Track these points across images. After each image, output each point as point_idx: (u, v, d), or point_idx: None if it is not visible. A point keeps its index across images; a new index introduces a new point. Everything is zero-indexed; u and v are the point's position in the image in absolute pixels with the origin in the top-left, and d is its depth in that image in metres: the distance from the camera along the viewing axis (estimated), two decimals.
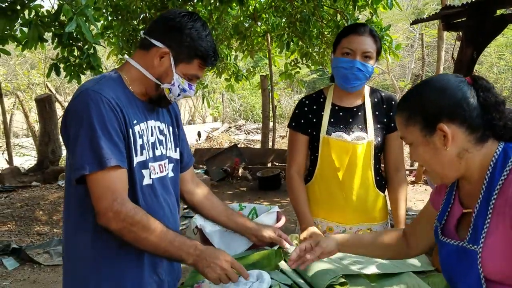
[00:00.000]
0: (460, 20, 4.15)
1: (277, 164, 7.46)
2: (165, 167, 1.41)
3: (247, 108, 16.45)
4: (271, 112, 7.42)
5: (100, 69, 3.55)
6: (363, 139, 1.85)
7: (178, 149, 1.51)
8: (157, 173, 1.37)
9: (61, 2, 2.87)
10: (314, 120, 1.91)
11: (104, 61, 12.11)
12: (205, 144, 10.86)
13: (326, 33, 5.84)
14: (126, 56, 1.41)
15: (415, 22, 5.04)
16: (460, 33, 3.91)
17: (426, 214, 1.28)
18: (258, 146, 9.82)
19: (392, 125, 1.92)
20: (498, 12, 3.66)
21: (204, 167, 7.39)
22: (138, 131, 1.30)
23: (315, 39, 5.98)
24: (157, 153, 1.38)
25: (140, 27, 5.64)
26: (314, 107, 1.93)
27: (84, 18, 2.85)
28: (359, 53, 1.78)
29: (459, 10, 3.80)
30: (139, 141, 1.30)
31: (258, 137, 11.30)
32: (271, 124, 7.56)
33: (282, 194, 6.22)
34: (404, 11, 13.77)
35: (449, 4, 3.85)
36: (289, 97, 16.51)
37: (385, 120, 1.92)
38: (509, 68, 15.84)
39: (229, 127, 13.78)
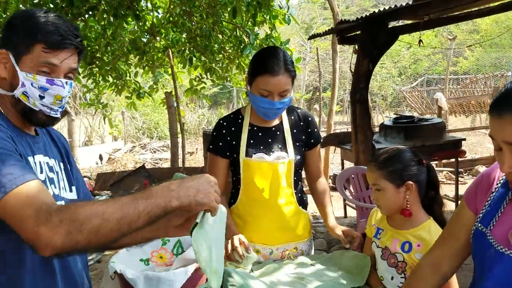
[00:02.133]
0: (353, 34, 4.44)
1: None
2: None
3: (150, 125, 15.86)
4: (179, 129, 7.18)
5: None
6: (283, 159, 1.84)
7: (73, 188, 1.28)
8: None
9: None
10: (234, 142, 1.85)
11: None
12: (108, 167, 10.13)
13: (227, 48, 5.84)
14: None
15: (312, 36, 5.28)
16: (356, 47, 4.17)
17: (462, 217, 1.15)
18: (166, 165, 9.47)
19: (312, 141, 1.94)
20: (390, 24, 3.98)
21: (109, 192, 6.86)
22: None
23: (217, 54, 5.94)
24: None
25: None
26: (233, 128, 1.88)
27: None
28: (276, 93, 1.74)
29: (353, 25, 4.05)
30: None
31: (166, 155, 10.91)
32: (180, 141, 7.31)
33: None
34: (294, 26, 14.57)
35: (343, 19, 4.09)
36: (193, 112, 16.33)
37: (303, 137, 1.93)
38: (390, 75, 17.76)
39: (133, 146, 13.07)
